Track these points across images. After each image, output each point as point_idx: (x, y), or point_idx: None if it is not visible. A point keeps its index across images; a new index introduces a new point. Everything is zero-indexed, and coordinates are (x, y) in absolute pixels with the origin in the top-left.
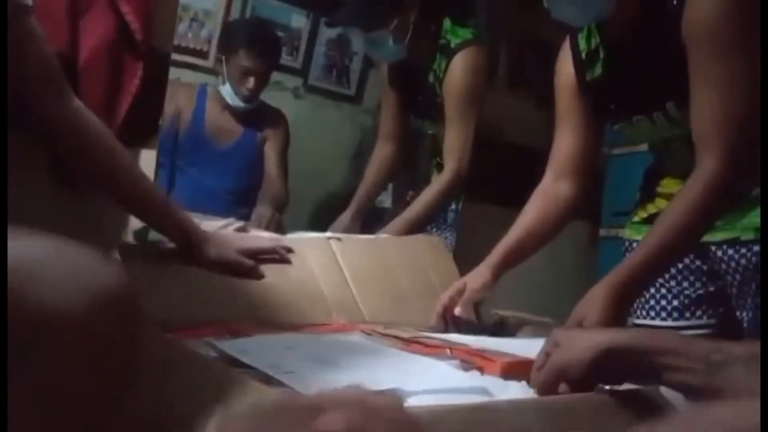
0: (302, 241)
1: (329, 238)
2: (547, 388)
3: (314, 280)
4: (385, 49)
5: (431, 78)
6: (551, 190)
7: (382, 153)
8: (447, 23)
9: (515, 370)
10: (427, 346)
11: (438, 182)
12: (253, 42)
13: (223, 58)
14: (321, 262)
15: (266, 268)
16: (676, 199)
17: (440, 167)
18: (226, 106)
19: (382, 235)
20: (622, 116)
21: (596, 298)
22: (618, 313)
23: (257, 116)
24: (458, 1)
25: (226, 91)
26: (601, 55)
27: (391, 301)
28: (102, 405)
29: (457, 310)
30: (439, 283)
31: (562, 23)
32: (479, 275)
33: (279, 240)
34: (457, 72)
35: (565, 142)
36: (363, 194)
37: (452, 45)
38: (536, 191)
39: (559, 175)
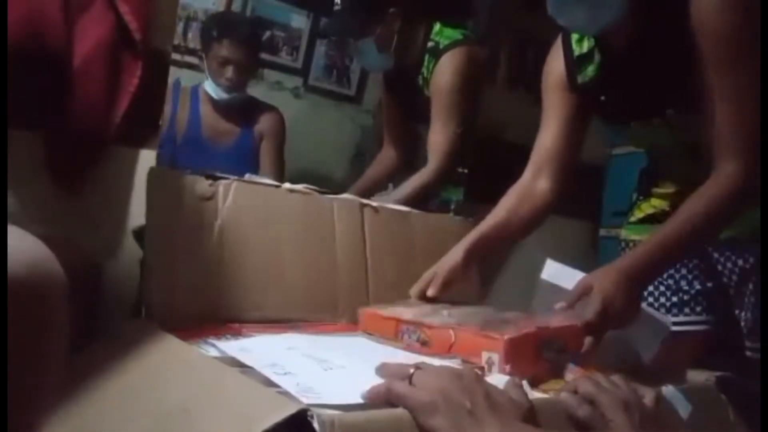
0: (339, 201)
1: (365, 205)
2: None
3: (332, 248)
4: (371, 58)
5: (420, 81)
6: (529, 187)
7: (384, 155)
8: (437, 26)
9: (521, 343)
10: (429, 347)
11: (418, 177)
12: (225, 32)
13: (203, 54)
14: (347, 227)
15: (284, 228)
16: (696, 196)
17: None
18: (217, 106)
19: (415, 211)
20: (619, 120)
21: (609, 273)
22: (628, 293)
23: (250, 113)
24: (448, 5)
25: (210, 86)
26: (596, 59)
27: (401, 284)
28: None
29: (429, 291)
30: None
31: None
32: (450, 258)
33: None
34: (443, 71)
35: (549, 139)
36: (357, 187)
37: (441, 46)
38: (514, 187)
39: (539, 171)
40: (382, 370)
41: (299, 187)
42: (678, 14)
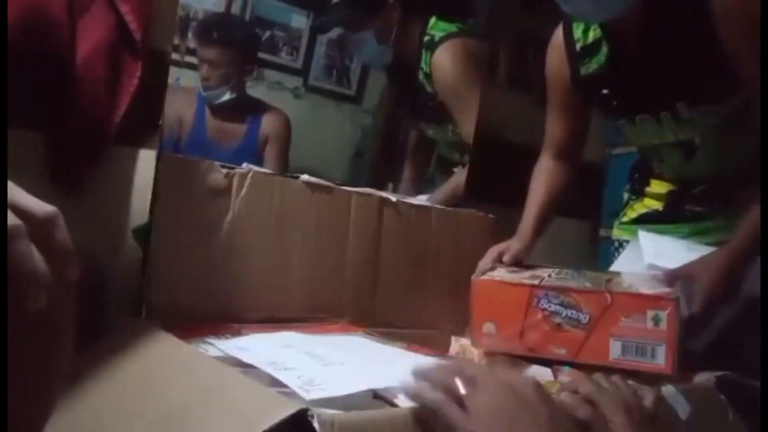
0: (357, 195)
1: (385, 199)
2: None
3: (344, 245)
4: (370, 51)
5: (421, 76)
6: (552, 167)
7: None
8: (432, 20)
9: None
10: (578, 309)
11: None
12: (199, 32)
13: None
14: (362, 224)
15: (297, 224)
16: None
17: (445, 165)
18: (212, 107)
19: (438, 206)
20: (625, 113)
21: (712, 270)
22: (729, 285)
23: (253, 115)
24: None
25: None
26: (604, 50)
27: (410, 287)
28: None
29: (506, 259)
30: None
31: (562, 15)
32: (520, 237)
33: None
34: (441, 63)
35: (558, 129)
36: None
37: (436, 39)
38: (538, 168)
39: (556, 155)
40: (423, 376)
41: (317, 180)
42: (694, 4)
